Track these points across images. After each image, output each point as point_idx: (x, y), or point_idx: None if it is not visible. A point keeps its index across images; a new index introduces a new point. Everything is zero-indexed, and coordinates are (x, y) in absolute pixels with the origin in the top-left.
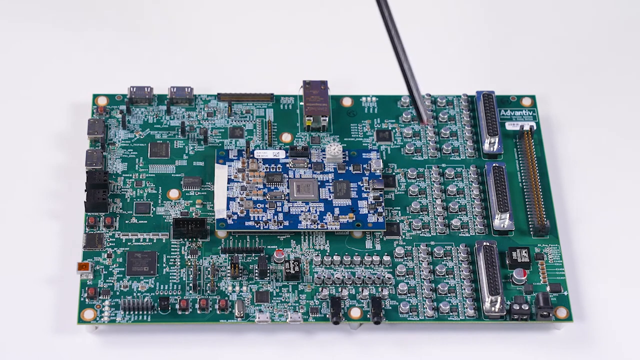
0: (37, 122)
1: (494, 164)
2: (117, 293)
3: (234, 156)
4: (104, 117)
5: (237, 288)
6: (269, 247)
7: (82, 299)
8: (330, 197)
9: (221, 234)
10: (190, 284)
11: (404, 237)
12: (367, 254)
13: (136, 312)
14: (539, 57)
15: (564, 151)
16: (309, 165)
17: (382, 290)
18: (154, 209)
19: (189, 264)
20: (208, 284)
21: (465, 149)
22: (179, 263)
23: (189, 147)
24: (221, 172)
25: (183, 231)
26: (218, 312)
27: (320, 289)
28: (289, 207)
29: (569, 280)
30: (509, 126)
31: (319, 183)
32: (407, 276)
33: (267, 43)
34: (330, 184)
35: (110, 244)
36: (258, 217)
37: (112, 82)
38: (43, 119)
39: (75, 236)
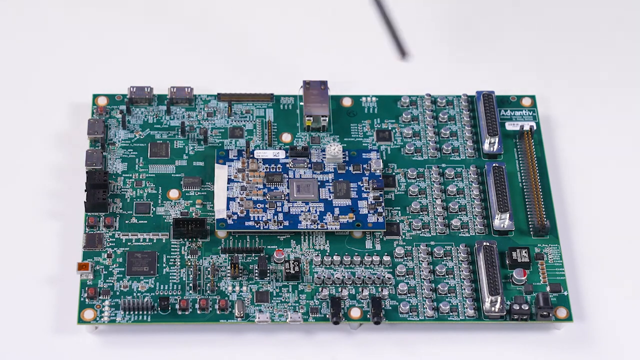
0: (37, 122)
1: (494, 164)
2: (117, 293)
3: (234, 156)
4: (104, 117)
5: (237, 288)
6: (269, 247)
7: (82, 299)
8: (330, 197)
9: (221, 234)
10: (190, 284)
11: (404, 237)
12: (367, 254)
13: (136, 312)
14: (539, 57)
15: (564, 151)
16: (309, 165)
17: (382, 290)
18: (154, 209)
19: (189, 264)
20: (208, 284)
21: (465, 149)
22: (179, 263)
23: (189, 147)
24: (221, 172)
25: (183, 231)
26: (218, 312)
27: (320, 289)
28: (289, 207)
29: (569, 280)
30: (509, 126)
31: (319, 183)
32: (407, 276)
33: (267, 43)
34: (330, 184)
35: (110, 244)
36: (258, 217)
37: (112, 82)
38: (43, 119)
39: (75, 236)
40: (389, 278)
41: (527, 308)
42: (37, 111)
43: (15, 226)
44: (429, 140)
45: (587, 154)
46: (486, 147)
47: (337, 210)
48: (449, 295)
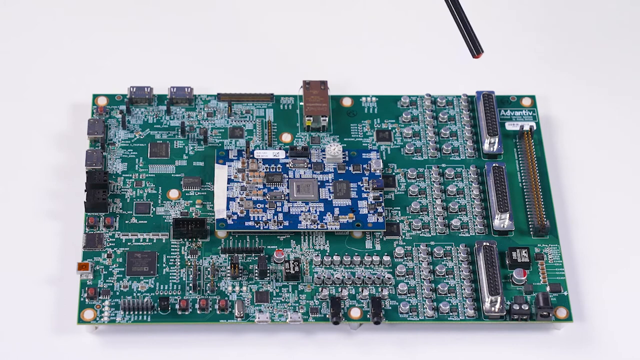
0: (37, 122)
1: (494, 164)
2: (117, 293)
3: (233, 156)
4: (104, 117)
5: (237, 288)
6: (268, 247)
7: (82, 299)
8: (330, 197)
9: (221, 234)
10: (190, 284)
11: (404, 237)
12: (367, 254)
13: (136, 312)
14: (539, 57)
15: (564, 151)
16: (309, 165)
17: (382, 290)
18: (154, 209)
19: (189, 264)
20: (208, 284)
21: (465, 149)
22: (178, 263)
23: (188, 147)
24: (221, 172)
25: (183, 231)
26: (218, 312)
27: (320, 289)
28: (289, 207)
29: (569, 280)
30: (509, 126)
31: (319, 183)
32: (407, 276)
33: (267, 43)
34: (330, 184)
35: (110, 244)
36: (258, 217)
37: (112, 82)
38: (43, 119)
39: (75, 236)
40: (389, 278)
41: (527, 308)
42: (37, 111)
43: (15, 226)
44: (429, 140)
45: (587, 154)
46: (486, 147)
47: (337, 210)
48: (449, 295)
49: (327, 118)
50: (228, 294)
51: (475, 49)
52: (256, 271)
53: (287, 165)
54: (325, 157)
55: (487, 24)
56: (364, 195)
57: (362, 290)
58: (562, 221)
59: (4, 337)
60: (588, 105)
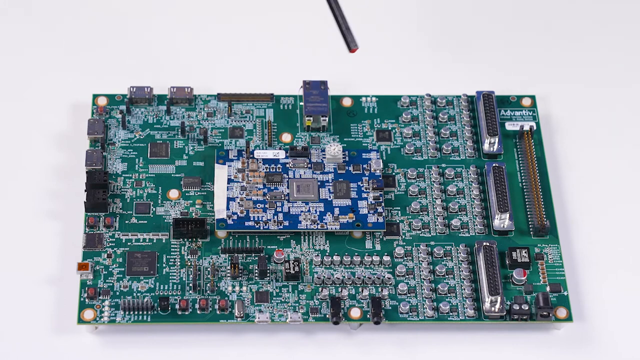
0: (37, 122)
1: (494, 164)
2: (117, 293)
3: (233, 156)
4: (104, 117)
5: (237, 288)
6: (268, 247)
7: (82, 299)
8: (330, 197)
9: (221, 234)
10: (190, 284)
11: (403, 237)
12: (367, 254)
13: (136, 312)
14: (539, 57)
15: (564, 151)
16: (309, 165)
17: (382, 290)
18: (154, 209)
19: (189, 264)
20: (208, 284)
21: (465, 149)
22: (178, 263)
23: (188, 147)
24: (221, 172)
25: (183, 231)
26: (218, 312)
27: (320, 289)
28: (289, 207)
29: (569, 280)
30: (509, 126)
31: (319, 183)
32: (407, 276)
33: (267, 43)
34: (330, 184)
35: (110, 244)
36: (258, 217)
37: (112, 82)
38: (43, 119)
39: (75, 236)
40: (389, 278)
41: (527, 308)
42: (37, 111)
43: (15, 226)
44: (429, 140)
45: (587, 154)
46: (486, 147)
47: (337, 210)
48: (449, 295)
49: (327, 118)
50: (228, 294)
51: (351, 43)
52: (256, 271)
53: (287, 165)
54: (325, 157)
55: (487, 24)
56: (364, 195)
57: (362, 290)
58: (562, 221)
59: (4, 337)
60: (588, 105)
